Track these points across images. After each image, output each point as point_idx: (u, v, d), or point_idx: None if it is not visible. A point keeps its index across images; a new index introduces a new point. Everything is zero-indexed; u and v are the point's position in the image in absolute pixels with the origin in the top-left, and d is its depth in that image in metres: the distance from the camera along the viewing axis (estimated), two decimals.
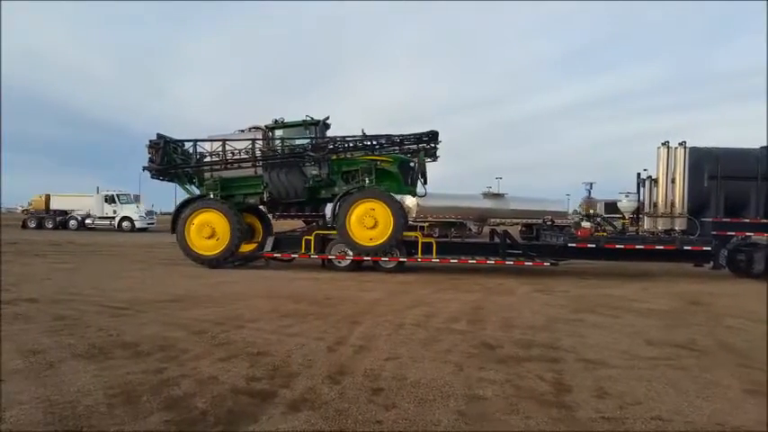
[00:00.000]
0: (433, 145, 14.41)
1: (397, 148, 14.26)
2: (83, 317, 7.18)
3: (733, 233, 13.66)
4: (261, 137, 14.38)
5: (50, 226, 34.62)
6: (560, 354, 5.71)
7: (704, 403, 4.24)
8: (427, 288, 10.77)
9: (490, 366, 5.16)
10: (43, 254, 17.27)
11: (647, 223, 14.40)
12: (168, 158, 14.47)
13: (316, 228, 14.96)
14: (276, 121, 14.52)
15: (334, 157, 14.08)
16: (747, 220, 13.50)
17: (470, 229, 27.15)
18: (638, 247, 13.19)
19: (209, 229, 13.73)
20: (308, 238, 13.83)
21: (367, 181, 13.60)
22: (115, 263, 14.95)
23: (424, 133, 14.10)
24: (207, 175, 14.48)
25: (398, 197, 13.56)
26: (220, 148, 14.11)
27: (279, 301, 8.79)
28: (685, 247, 13.04)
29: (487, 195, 27.17)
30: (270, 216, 16.08)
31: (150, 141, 14.43)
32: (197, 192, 14.75)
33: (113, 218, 34.16)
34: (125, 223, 33.90)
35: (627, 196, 14.76)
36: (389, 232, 12.94)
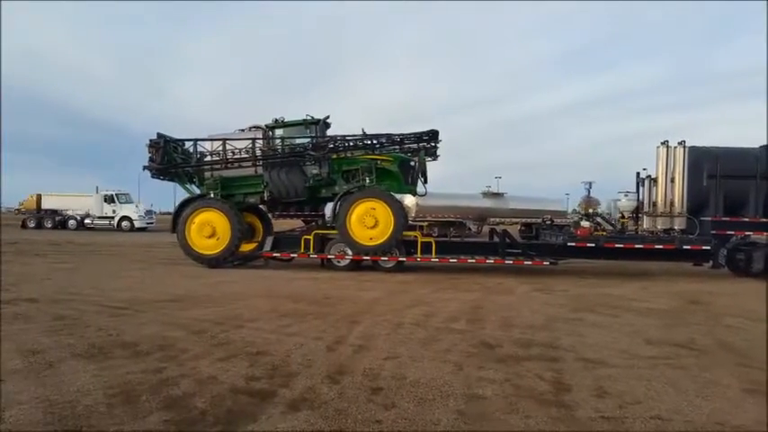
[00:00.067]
0: (433, 144, 14.40)
1: (397, 147, 14.24)
2: (82, 317, 7.17)
3: (732, 232, 13.66)
4: (261, 136, 14.37)
5: (50, 226, 34.60)
6: (560, 353, 5.71)
7: (703, 402, 4.25)
8: (426, 287, 10.78)
9: (489, 366, 5.16)
10: (43, 254, 17.25)
11: (646, 222, 14.40)
12: (168, 158, 14.46)
13: (315, 227, 14.96)
14: (276, 120, 14.52)
15: (335, 156, 14.07)
16: (747, 219, 13.51)
17: (470, 229, 27.13)
18: (637, 246, 13.20)
19: (210, 229, 13.73)
20: (308, 237, 13.83)
21: (367, 180, 13.60)
22: (114, 263, 14.95)
23: (424, 132, 14.09)
24: (207, 174, 14.49)
25: (398, 196, 13.55)
26: (221, 148, 14.11)
27: (278, 301, 8.79)
28: (684, 247, 13.04)
29: (487, 195, 27.18)
30: (269, 215, 16.09)
31: (150, 141, 14.42)
32: (197, 191, 14.75)
33: (113, 218, 34.16)
34: (124, 223, 33.92)
35: (626, 195, 14.76)
36: (390, 232, 12.93)
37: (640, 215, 14.67)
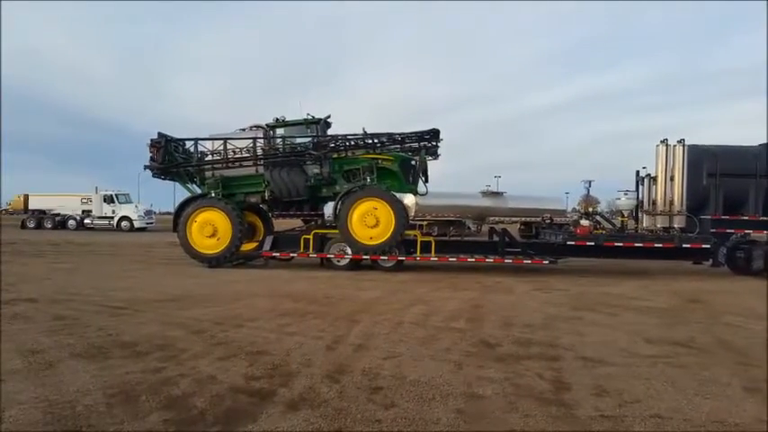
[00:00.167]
0: (434, 143, 14.39)
1: (398, 146, 14.23)
2: (82, 317, 7.17)
3: (732, 231, 13.67)
4: (262, 135, 14.37)
5: (49, 226, 34.60)
6: (559, 352, 5.71)
7: (703, 401, 4.25)
8: (426, 286, 10.78)
9: (489, 365, 5.16)
10: (42, 254, 17.25)
11: (645, 221, 14.40)
12: (169, 157, 14.46)
13: (314, 227, 14.96)
14: (277, 119, 14.52)
15: (336, 155, 14.06)
16: (746, 218, 13.52)
17: (469, 228, 27.18)
18: (636, 244, 13.20)
19: (211, 228, 13.73)
20: (307, 237, 13.82)
21: (368, 179, 13.59)
22: (114, 263, 14.94)
23: (425, 131, 14.08)
24: (208, 173, 14.48)
25: (397, 195, 13.54)
26: (222, 147, 14.10)
27: (278, 300, 8.79)
28: (684, 245, 13.05)
29: (486, 194, 27.29)
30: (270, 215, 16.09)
31: (151, 140, 14.41)
32: (198, 190, 14.74)
33: (112, 218, 34.15)
34: (124, 223, 33.90)
35: (626, 194, 14.76)
36: (391, 231, 12.93)
37: (640, 214, 14.68)
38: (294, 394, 4.23)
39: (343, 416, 3.81)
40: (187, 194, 14.77)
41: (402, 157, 14.14)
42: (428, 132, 14.07)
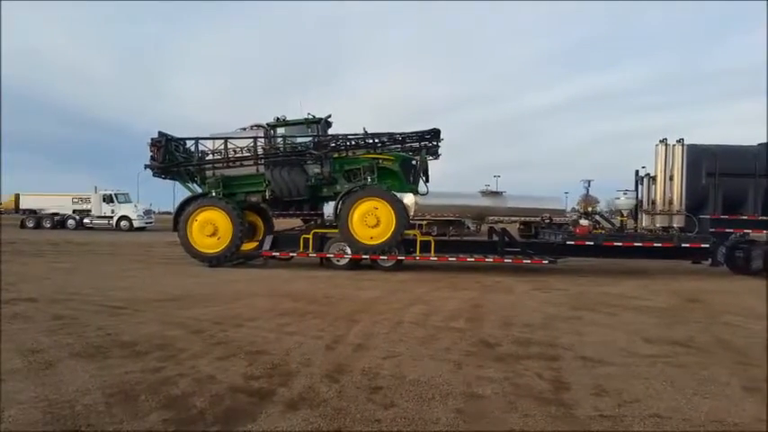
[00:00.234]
0: (435, 143, 14.39)
1: (399, 146, 14.23)
2: (81, 316, 7.17)
3: (731, 230, 13.69)
4: (263, 135, 14.37)
5: (49, 225, 34.60)
6: (559, 351, 5.72)
7: (702, 401, 4.25)
8: (425, 286, 10.78)
9: (489, 364, 5.17)
10: (42, 253, 17.24)
11: (645, 221, 14.42)
12: (170, 156, 14.45)
13: (314, 226, 14.96)
14: (278, 119, 14.51)
15: (336, 155, 14.06)
16: (745, 217, 13.53)
17: (469, 228, 27.22)
18: (636, 244, 13.21)
19: (212, 228, 13.74)
20: (307, 236, 13.82)
21: (369, 179, 13.59)
22: (113, 262, 14.93)
23: (426, 131, 14.07)
24: (209, 173, 14.48)
25: (398, 195, 13.54)
26: (222, 146, 14.10)
27: (277, 300, 8.79)
28: (683, 245, 13.06)
29: (486, 193, 27.33)
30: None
31: (152, 139, 14.41)
32: (199, 190, 14.74)
33: (111, 217, 34.13)
34: (123, 222, 33.87)
35: (625, 194, 14.77)
36: (391, 231, 12.94)
37: (639, 213, 14.69)
38: (293, 394, 4.23)
39: (343, 415, 3.81)
40: (187, 194, 14.78)
41: (403, 157, 14.14)
42: (429, 132, 14.07)
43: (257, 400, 4.08)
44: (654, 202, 14.16)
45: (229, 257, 13.89)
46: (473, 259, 13.45)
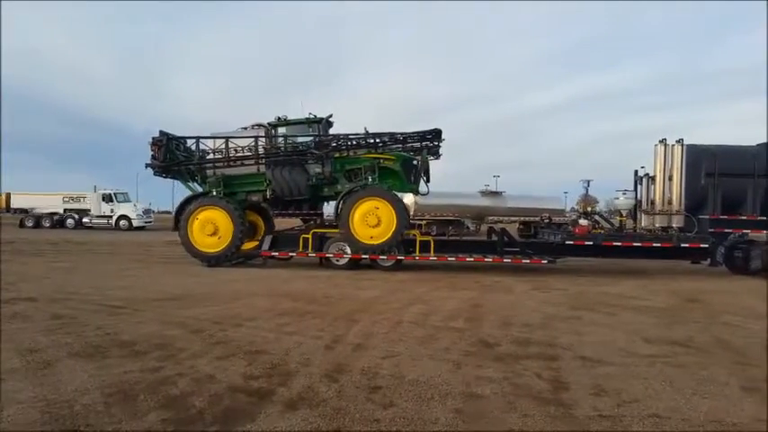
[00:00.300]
0: (436, 143, 14.38)
1: (400, 146, 14.22)
2: (80, 316, 7.16)
3: (730, 230, 13.69)
4: (264, 134, 14.37)
5: (48, 225, 34.60)
6: (558, 351, 5.72)
7: (701, 401, 4.25)
8: (425, 286, 10.78)
9: (488, 364, 5.17)
10: (41, 253, 17.22)
11: (644, 221, 14.43)
12: (171, 155, 14.44)
13: (313, 226, 14.95)
14: (279, 118, 14.50)
15: (338, 154, 14.06)
16: (744, 217, 13.54)
17: (468, 227, 27.21)
18: (635, 244, 13.21)
19: (212, 227, 13.74)
20: (306, 236, 13.82)
21: (370, 179, 13.58)
22: (112, 261, 14.93)
23: (427, 131, 14.06)
24: (209, 172, 14.47)
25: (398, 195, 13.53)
26: (223, 146, 14.09)
27: (276, 300, 8.79)
28: (682, 245, 13.06)
29: (485, 193, 27.35)
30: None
31: (153, 138, 14.41)
32: (199, 189, 14.73)
33: (111, 216, 34.11)
34: (122, 222, 33.87)
35: (624, 194, 14.78)
36: (392, 231, 12.94)
37: (639, 213, 14.70)
38: (293, 394, 4.23)
39: (342, 415, 3.81)
40: (188, 193, 14.77)
41: (404, 157, 14.13)
42: (430, 132, 14.06)
43: (256, 400, 4.08)
44: (653, 203, 14.16)
45: (230, 257, 13.89)
46: (472, 259, 13.45)
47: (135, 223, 33.94)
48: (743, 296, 10.21)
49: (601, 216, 16.23)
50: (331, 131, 14.66)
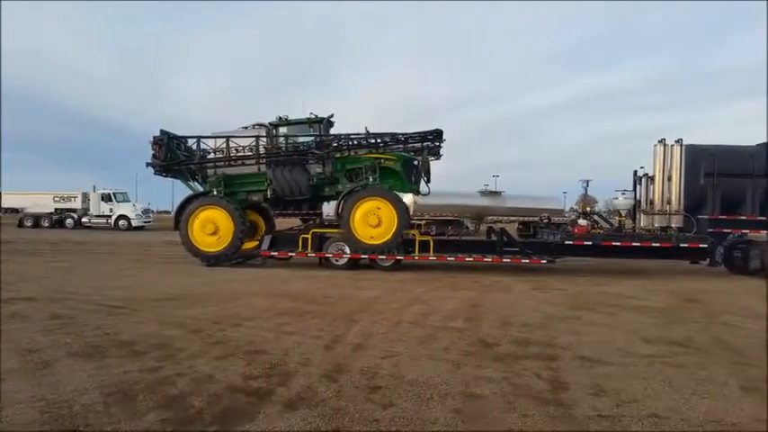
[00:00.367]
0: (437, 144, 14.39)
1: (401, 146, 14.22)
2: (79, 316, 7.15)
3: (729, 230, 13.70)
4: (264, 134, 14.36)
5: (47, 225, 34.59)
6: (557, 351, 5.72)
7: (700, 401, 4.26)
8: (424, 286, 10.78)
9: (487, 364, 5.17)
10: (40, 253, 17.21)
11: (643, 221, 14.43)
12: (172, 155, 14.44)
13: (312, 226, 14.94)
14: (280, 118, 14.50)
15: (338, 154, 14.06)
16: (743, 218, 13.54)
17: (467, 227, 27.19)
18: (634, 244, 13.22)
19: (213, 226, 13.74)
20: (305, 236, 13.81)
21: (371, 179, 13.58)
22: (111, 261, 14.91)
23: (428, 132, 14.06)
24: (210, 171, 14.47)
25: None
26: (224, 145, 14.09)
27: (276, 300, 8.78)
28: (682, 245, 13.06)
29: (484, 193, 27.37)
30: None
31: (154, 137, 14.41)
32: (200, 188, 14.73)
33: (110, 216, 34.09)
34: (121, 222, 33.85)
35: (623, 194, 14.79)
36: (393, 231, 12.94)
37: (638, 213, 14.70)
38: (292, 394, 4.23)
39: (341, 415, 3.81)
40: (188, 192, 14.76)
41: (404, 157, 14.13)
42: (431, 133, 14.06)
43: (256, 400, 4.08)
44: (652, 203, 14.17)
45: (230, 256, 13.89)
46: (472, 259, 13.44)
47: (134, 223, 33.92)
48: (742, 296, 10.22)
49: (600, 216, 16.25)
50: (332, 131, 14.65)
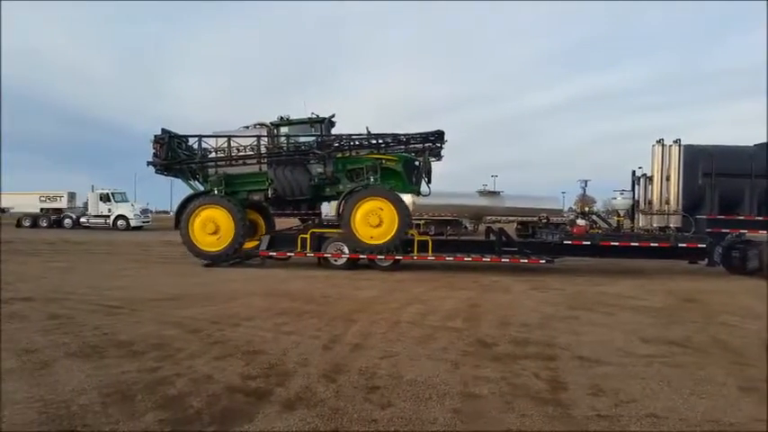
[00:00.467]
0: (438, 145, 14.39)
1: (402, 147, 14.23)
2: (77, 316, 7.14)
3: (727, 230, 13.72)
4: (266, 134, 14.36)
5: (45, 225, 34.54)
6: (556, 351, 5.72)
7: (699, 400, 4.26)
8: (423, 286, 10.78)
9: (486, 364, 5.17)
10: (38, 252, 17.18)
11: (642, 220, 14.45)
12: (173, 154, 14.43)
13: (311, 226, 14.94)
14: (281, 118, 14.50)
15: (340, 155, 14.06)
16: (742, 218, 13.57)
17: (466, 227, 27.21)
18: (633, 244, 13.23)
19: (213, 226, 13.73)
20: (304, 236, 13.81)
21: (372, 179, 13.58)
22: (110, 261, 14.89)
23: (430, 133, 14.06)
24: (211, 170, 14.46)
25: None
26: (225, 145, 14.08)
27: (274, 300, 8.77)
28: (680, 245, 13.08)
29: (483, 193, 27.39)
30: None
31: (155, 136, 14.41)
32: (201, 188, 14.72)
33: (108, 216, 34.03)
34: (120, 222, 33.79)
35: (622, 194, 14.81)
36: (394, 231, 12.94)
37: (636, 213, 14.72)
38: (291, 394, 4.22)
39: (340, 415, 3.81)
40: (189, 192, 14.74)
41: (406, 158, 14.14)
42: (433, 134, 14.06)
43: (254, 400, 4.08)
44: (650, 203, 14.20)
45: (231, 256, 13.88)
46: (470, 259, 13.45)
47: (132, 223, 33.85)
48: (740, 296, 10.23)
49: (598, 216, 16.27)
50: (333, 131, 14.66)
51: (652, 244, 13.17)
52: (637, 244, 13.21)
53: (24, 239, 22.89)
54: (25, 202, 35.69)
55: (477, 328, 6.87)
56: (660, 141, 14.02)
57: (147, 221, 36.14)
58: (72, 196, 36.76)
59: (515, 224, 27.25)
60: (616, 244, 13.26)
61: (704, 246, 13.17)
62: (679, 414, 3.96)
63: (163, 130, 14.51)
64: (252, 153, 14.00)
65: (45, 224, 34.56)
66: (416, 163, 14.16)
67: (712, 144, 14.10)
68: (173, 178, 15.36)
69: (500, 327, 6.93)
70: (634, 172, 14.97)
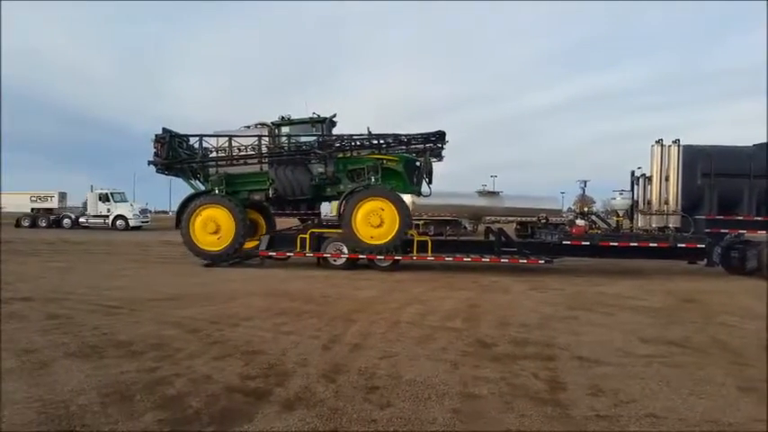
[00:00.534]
0: (439, 145, 14.39)
1: (403, 147, 14.23)
2: (76, 316, 7.14)
3: (726, 230, 13.74)
4: (267, 133, 14.36)
5: (44, 224, 34.51)
6: (555, 351, 5.72)
7: (698, 401, 4.26)
8: (422, 286, 10.78)
9: (485, 364, 5.17)
10: (38, 252, 17.16)
11: (641, 221, 14.46)
12: (173, 153, 14.43)
13: (311, 226, 14.93)
14: (282, 117, 14.51)
15: (341, 155, 14.06)
16: (740, 218, 13.58)
17: (465, 228, 27.24)
18: (632, 244, 13.24)
19: (214, 225, 13.73)
20: (304, 236, 13.80)
21: (373, 179, 13.58)
22: (109, 261, 14.88)
23: (431, 133, 14.07)
24: (212, 170, 14.46)
25: None
26: (226, 144, 14.07)
27: (274, 300, 8.77)
28: (679, 245, 13.08)
29: (482, 193, 27.43)
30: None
31: (156, 136, 14.42)
32: (201, 187, 14.72)
33: (107, 216, 34.01)
34: (119, 222, 33.78)
35: (621, 194, 14.82)
36: (394, 231, 12.94)
37: (635, 213, 14.73)
38: (290, 394, 4.22)
39: (339, 415, 3.81)
40: (188, 192, 14.74)
41: (407, 158, 14.14)
42: (434, 134, 14.07)
43: (253, 400, 4.07)
44: (650, 203, 14.21)
45: (232, 255, 13.88)
46: (470, 259, 13.45)
47: (132, 223, 33.84)
48: (739, 296, 10.24)
49: (598, 216, 16.29)
50: (333, 131, 14.66)
51: (651, 244, 13.18)
52: (636, 244, 13.22)
53: (24, 239, 22.87)
54: (16, 201, 35.70)
55: (477, 328, 6.87)
56: (659, 141, 14.03)
57: (147, 221, 36.14)
58: (63, 196, 36.80)
59: (514, 224, 27.27)
60: (615, 244, 13.27)
61: (703, 246, 13.17)
62: (678, 414, 3.97)
63: (164, 129, 14.51)
64: (253, 153, 14.01)
65: (44, 224, 34.53)
66: (417, 163, 14.16)
67: (711, 144, 14.12)
68: (172, 178, 15.37)
69: (499, 327, 6.93)
70: (633, 172, 14.99)
